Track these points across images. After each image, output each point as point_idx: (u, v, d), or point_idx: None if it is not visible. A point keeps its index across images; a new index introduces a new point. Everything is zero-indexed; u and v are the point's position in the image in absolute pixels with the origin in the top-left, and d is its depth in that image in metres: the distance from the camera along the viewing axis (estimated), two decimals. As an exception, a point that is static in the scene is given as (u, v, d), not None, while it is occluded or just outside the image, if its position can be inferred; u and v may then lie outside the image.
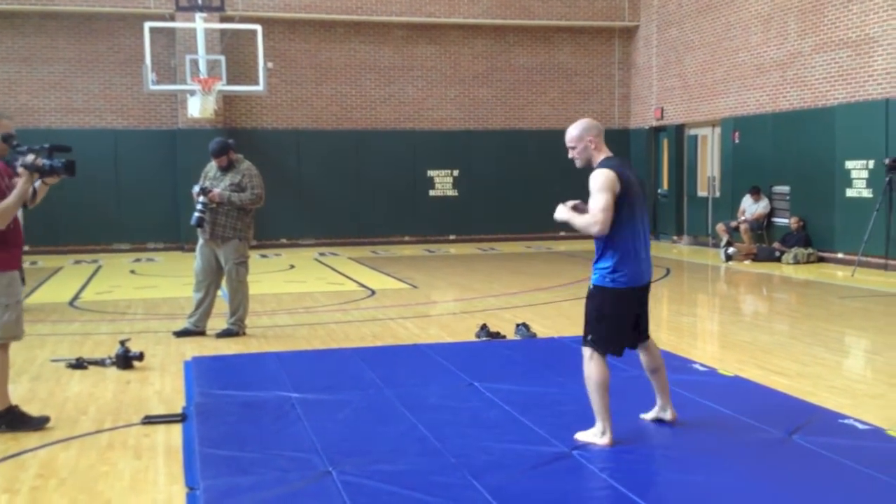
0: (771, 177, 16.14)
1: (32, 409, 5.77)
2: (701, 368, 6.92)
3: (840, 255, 14.37)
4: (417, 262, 15.97)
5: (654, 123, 19.93)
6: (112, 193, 18.20)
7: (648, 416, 5.46)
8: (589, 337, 5.04)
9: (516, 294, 11.56)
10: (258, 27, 16.73)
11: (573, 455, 4.81)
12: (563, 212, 5.08)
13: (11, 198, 5.30)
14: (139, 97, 18.22)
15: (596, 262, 5.08)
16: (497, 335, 8.37)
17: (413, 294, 11.77)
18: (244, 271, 8.68)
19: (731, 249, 15.36)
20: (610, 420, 5.00)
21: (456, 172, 19.92)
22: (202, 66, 16.53)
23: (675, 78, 19.11)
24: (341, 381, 6.57)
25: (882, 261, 13.44)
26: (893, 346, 8.00)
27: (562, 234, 19.41)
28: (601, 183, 4.87)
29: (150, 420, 5.67)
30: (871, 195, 13.66)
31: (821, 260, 14.70)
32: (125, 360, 7.24)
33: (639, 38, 20.51)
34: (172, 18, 17.55)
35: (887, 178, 13.01)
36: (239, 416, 5.67)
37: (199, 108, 16.28)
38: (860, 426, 5.28)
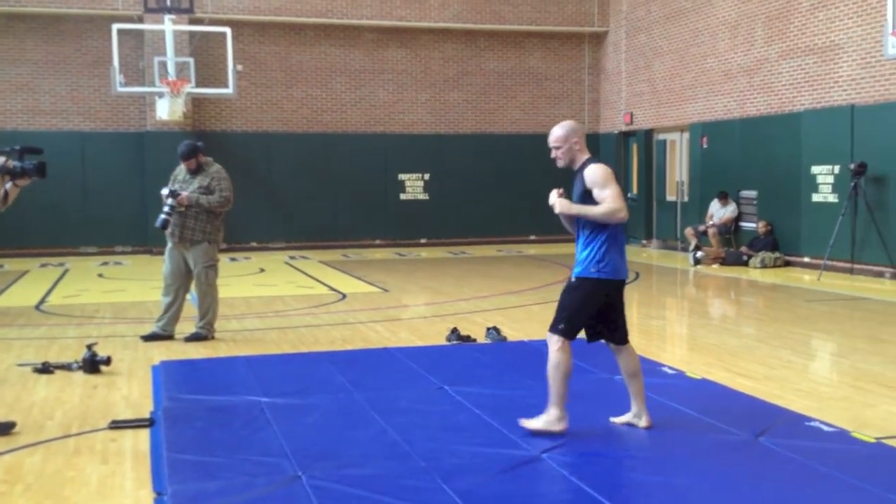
0: (738, 182, 16.30)
1: (-3, 415, 5.71)
2: (669, 371, 6.97)
3: (806, 259, 14.54)
4: (388, 266, 15.96)
5: (624, 128, 20.06)
6: (79, 196, 18.04)
7: (620, 420, 5.48)
8: (560, 326, 5.12)
9: (487, 298, 11.59)
10: (227, 29, 16.66)
11: (543, 458, 4.82)
12: (566, 206, 5.11)
13: (-18, 201, 5.25)
14: (107, 99, 18.08)
15: (582, 254, 5.16)
16: (467, 339, 8.38)
17: (384, 298, 11.76)
18: (213, 275, 8.63)
19: (699, 253, 15.50)
20: (565, 407, 5.15)
21: (427, 176, 19.94)
22: (171, 69, 16.43)
23: (644, 83, 19.25)
24: (311, 385, 6.55)
25: (847, 265, 13.61)
26: (858, 350, 8.10)
27: (532, 238, 19.47)
28: (605, 175, 5.02)
29: (117, 425, 5.62)
30: (836, 200, 13.83)
31: (787, 264, 14.87)
32: (92, 364, 7.17)
33: (608, 44, 20.64)
34: (141, 20, 17.43)
35: (852, 184, 13.18)
36: (207, 421, 5.63)
37: (167, 110, 16.18)
38: (825, 428, 5.35)
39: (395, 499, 4.23)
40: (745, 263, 14.98)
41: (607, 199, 4.98)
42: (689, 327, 9.92)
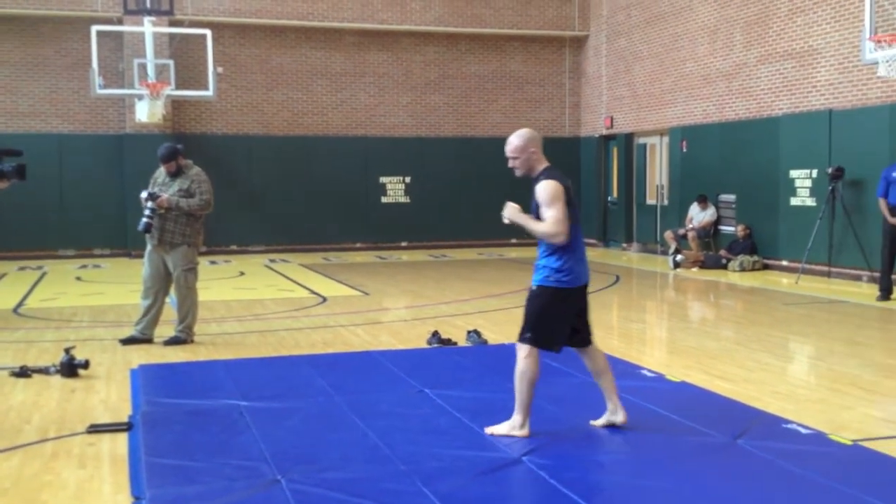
0: (717, 185, 16.39)
1: (-26, 419, 5.66)
2: (649, 374, 7.00)
3: (784, 263, 14.64)
4: (369, 269, 15.94)
5: (604, 132, 20.13)
6: (57, 199, 17.92)
7: (599, 422, 5.51)
8: (528, 335, 5.18)
9: (468, 301, 11.60)
10: (208, 32, 16.59)
11: (523, 461, 4.83)
12: (515, 213, 5.18)
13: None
14: (86, 101, 17.98)
15: (540, 261, 5.22)
16: (448, 342, 8.38)
17: (364, 301, 11.75)
18: (193, 278, 8.60)
19: (678, 257, 15.57)
20: (529, 414, 5.23)
21: (408, 179, 19.94)
22: (150, 71, 16.34)
23: (625, 87, 19.33)
24: (291, 389, 6.54)
25: (825, 268, 13.72)
26: (835, 352, 8.17)
27: (513, 241, 19.49)
28: (553, 193, 5.05)
29: (95, 429, 5.58)
30: (814, 204, 13.94)
31: (766, 267, 14.96)
32: (70, 368, 7.12)
33: (589, 48, 20.72)
34: (120, 22, 17.34)
35: (830, 187, 13.29)
36: (186, 425, 5.61)
37: (147, 112, 16.10)
38: (802, 430, 5.38)
39: (375, 502, 4.23)
40: (724, 267, 15.07)
41: (548, 221, 5.04)
42: (668, 330, 9.97)
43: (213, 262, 16.79)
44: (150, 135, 17.38)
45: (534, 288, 5.24)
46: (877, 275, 11.78)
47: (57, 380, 7.03)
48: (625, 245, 19.58)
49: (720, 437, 5.25)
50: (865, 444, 5.17)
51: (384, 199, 19.86)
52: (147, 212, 8.28)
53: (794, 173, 14.45)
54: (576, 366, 7.13)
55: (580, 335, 5.38)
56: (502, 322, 9.81)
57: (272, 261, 17.45)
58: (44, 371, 7.19)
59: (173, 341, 8.49)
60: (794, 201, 14.47)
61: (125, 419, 5.81)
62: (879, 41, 10.81)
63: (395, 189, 19.85)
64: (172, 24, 17.51)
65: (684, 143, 17.28)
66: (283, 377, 6.98)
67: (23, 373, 7.13)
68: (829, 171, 13.28)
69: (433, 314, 10.48)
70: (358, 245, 19.63)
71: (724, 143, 16.15)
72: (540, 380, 5.76)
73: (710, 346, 8.48)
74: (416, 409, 5.94)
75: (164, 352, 8.19)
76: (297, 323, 9.95)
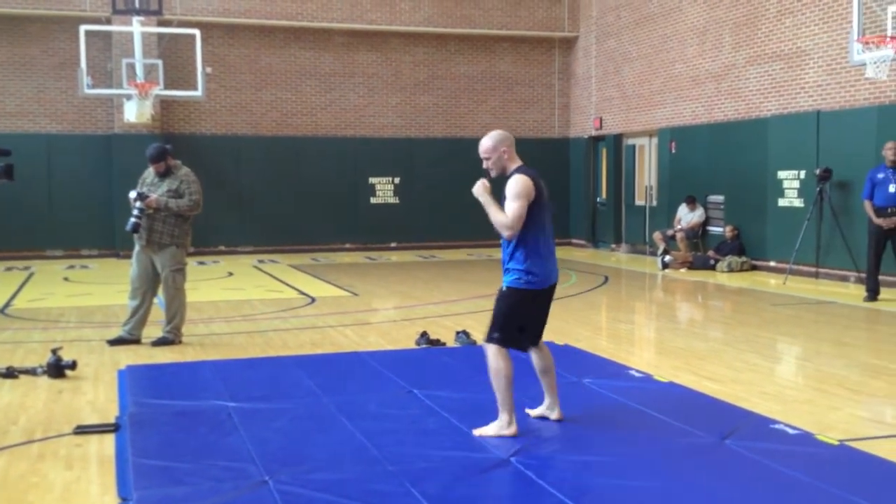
0: (706, 186, 16.44)
1: (-41, 420, 5.63)
2: (637, 374, 7.01)
3: (772, 264, 14.69)
4: (358, 270, 15.93)
5: (593, 133, 20.16)
6: (45, 199, 17.85)
7: (535, 412, 5.67)
8: (496, 335, 5.23)
9: (457, 301, 11.60)
10: (196, 32, 16.55)
11: (512, 462, 4.83)
12: (482, 192, 5.23)
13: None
14: (74, 101, 17.91)
15: (509, 263, 5.29)
16: (437, 342, 8.38)
17: (353, 301, 11.73)
18: (181, 279, 8.57)
19: (667, 258, 15.61)
20: (514, 411, 5.26)
21: (397, 180, 19.93)
22: (139, 71, 16.30)
23: (614, 88, 19.36)
24: (279, 390, 6.53)
25: (813, 269, 13.77)
26: (823, 353, 8.20)
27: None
28: (519, 189, 5.13)
29: (82, 430, 5.56)
30: (802, 205, 13.99)
31: (754, 268, 15.00)
32: (57, 368, 7.09)
33: (578, 49, 20.75)
34: (109, 22, 17.28)
35: (818, 189, 13.34)
36: (174, 426, 5.59)
37: (135, 112, 16.05)
38: (790, 431, 5.40)
39: (363, 503, 4.22)
40: (713, 267, 15.11)
41: (508, 213, 5.11)
42: (656, 331, 9.98)
43: (201, 263, 16.75)
44: (139, 135, 17.33)
45: (503, 289, 5.30)
46: (864, 276, 11.83)
47: (44, 381, 7.00)
48: (613, 246, 19.61)
49: (708, 437, 5.26)
50: (852, 444, 5.19)
51: (373, 200, 19.85)
52: (135, 212, 8.25)
53: (782, 174, 14.51)
54: (564, 366, 7.14)
55: (538, 334, 5.47)
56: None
57: (261, 261, 17.42)
58: (31, 372, 7.16)
59: (161, 342, 8.47)
60: (782, 202, 14.52)
61: (112, 420, 5.78)
62: (867, 43, 10.86)
63: (384, 190, 19.84)
64: (161, 23, 17.46)
65: (673, 144, 17.32)
66: (271, 378, 6.97)
67: (9, 373, 7.09)
68: (817, 172, 13.32)
69: (422, 315, 10.47)
70: (347, 246, 19.60)
71: (713, 145, 16.20)
72: (528, 380, 5.78)
73: (699, 346, 8.50)
74: (404, 409, 5.94)
75: (151, 352, 8.16)
76: (286, 324, 9.93)
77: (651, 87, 18.05)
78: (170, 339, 8.51)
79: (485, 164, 5.34)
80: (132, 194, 8.35)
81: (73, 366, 7.20)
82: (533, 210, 5.16)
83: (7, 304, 11.48)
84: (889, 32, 10.61)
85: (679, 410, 5.84)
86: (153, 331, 8.67)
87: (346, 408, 5.94)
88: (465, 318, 10.17)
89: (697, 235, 16.38)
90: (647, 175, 18.75)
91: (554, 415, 5.59)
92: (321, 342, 8.71)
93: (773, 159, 14.68)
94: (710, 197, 16.43)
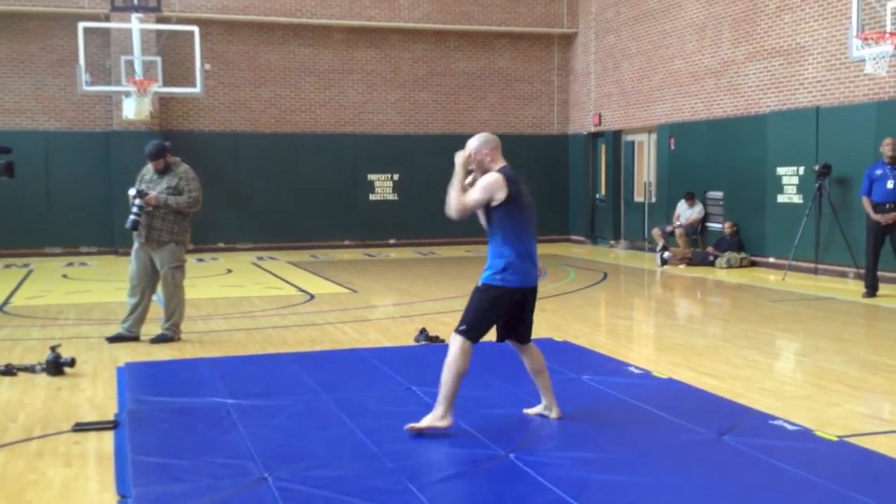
0: (705, 182, 16.43)
1: (-42, 418, 5.63)
2: (636, 371, 7.01)
3: (771, 260, 14.69)
4: (357, 267, 15.93)
5: (592, 129, 20.15)
6: (44, 196, 17.84)
7: (532, 410, 5.67)
8: (463, 327, 5.26)
9: (455, 298, 11.59)
10: (195, 28, 16.53)
11: (510, 458, 4.83)
12: (459, 164, 5.38)
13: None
14: (72, 98, 17.89)
15: (489, 261, 5.32)
16: (436, 339, 8.37)
17: (352, 298, 11.73)
18: (180, 276, 8.57)
19: (666, 254, 15.60)
20: (452, 408, 5.27)
21: (396, 176, 19.92)
22: (138, 68, 16.29)
23: (613, 84, 19.35)
24: (278, 387, 6.52)
25: (812, 265, 13.77)
26: (822, 349, 8.20)
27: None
28: (487, 184, 5.25)
29: (81, 427, 5.56)
30: (801, 201, 13.99)
31: (753, 264, 15.01)
32: (56, 366, 7.09)
33: (577, 45, 20.73)
34: (107, 19, 17.26)
35: (817, 185, 13.33)
36: (172, 423, 5.59)
37: (134, 109, 16.04)
38: (789, 427, 5.40)
39: (362, 500, 4.22)
40: (712, 264, 15.11)
41: (465, 196, 5.25)
42: (655, 327, 9.98)
43: (200, 260, 16.74)
44: (138, 132, 17.32)
45: (479, 284, 5.33)
46: (863, 272, 11.83)
47: (42, 378, 7.00)
48: (612, 242, 19.61)
49: (707, 433, 5.26)
50: (851, 440, 5.19)
51: (372, 197, 19.84)
52: (135, 209, 8.24)
53: (781, 170, 14.50)
54: (562, 362, 7.15)
55: (523, 331, 5.47)
56: (490, 319, 9.79)
57: (260, 258, 17.41)
58: (29, 369, 7.15)
59: (160, 339, 8.46)
60: (781, 198, 14.52)
61: (111, 417, 5.78)
62: (866, 39, 10.86)
63: (383, 186, 19.83)
64: (160, 20, 17.44)
65: (672, 140, 17.32)
66: (270, 375, 6.96)
67: (8, 371, 7.09)
68: (816, 168, 13.32)
69: (421, 311, 10.47)
70: (346, 242, 19.60)
71: (712, 141, 16.19)
72: (527, 376, 5.77)
73: (698, 342, 8.50)
74: (403, 406, 5.93)
75: (150, 350, 8.16)
76: (285, 320, 9.93)
77: (650, 83, 18.04)
78: (169, 337, 8.50)
79: (469, 166, 5.43)
80: (132, 192, 8.35)
81: (71, 363, 7.20)
82: (512, 209, 5.23)
83: (6, 302, 11.47)
84: (888, 28, 10.60)
85: (678, 407, 5.84)
86: (152, 328, 8.67)
87: (345, 405, 5.94)
88: (465, 314, 10.15)
89: (696, 232, 16.38)
90: (646, 171, 18.75)
91: (553, 414, 5.58)
92: (320, 339, 8.70)
93: (772, 155, 14.68)
94: (710, 193, 16.43)
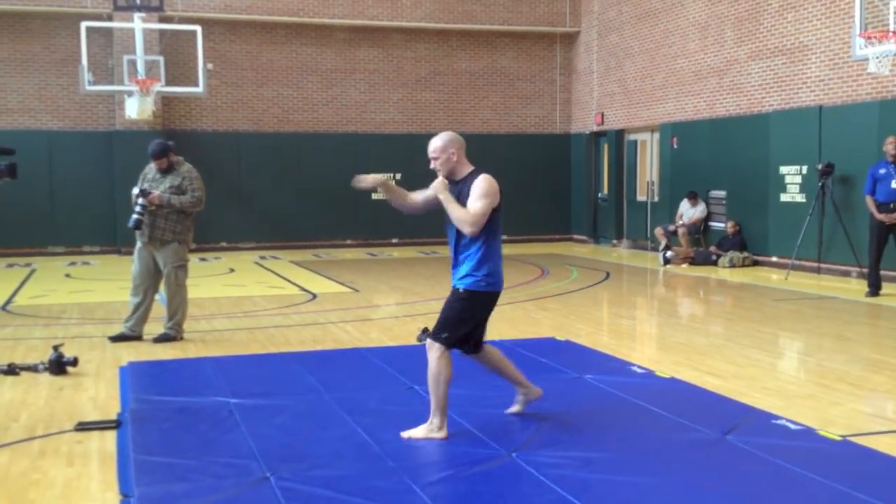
0: (708, 182, 16.41)
1: (-39, 417, 5.63)
2: (638, 370, 7.00)
3: (774, 259, 14.67)
4: (359, 266, 15.93)
5: (595, 128, 20.14)
6: (47, 195, 17.85)
7: (514, 409, 5.60)
8: (444, 335, 5.17)
9: (458, 297, 11.57)
10: (198, 28, 16.54)
11: (512, 457, 4.83)
12: (442, 188, 5.22)
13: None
14: (75, 98, 17.90)
15: (464, 265, 5.23)
16: (438, 339, 8.35)
17: (354, 298, 11.73)
18: (183, 275, 8.57)
19: (669, 253, 15.59)
20: (447, 416, 5.20)
21: (398, 176, 19.87)
22: (140, 67, 16.30)
23: (616, 83, 19.34)
24: (280, 386, 6.52)
25: (815, 264, 13.75)
26: (825, 348, 8.18)
27: (503, 237, 19.43)
28: (487, 190, 5.11)
29: (83, 426, 5.56)
30: (804, 200, 13.97)
31: (756, 263, 14.99)
32: (59, 365, 7.09)
33: (580, 44, 20.72)
34: (110, 18, 17.27)
35: (820, 184, 13.31)
36: (175, 423, 5.59)
37: (136, 109, 16.05)
38: (792, 426, 5.39)
39: (364, 499, 4.22)
40: (714, 263, 15.09)
41: (472, 210, 5.07)
42: (658, 327, 9.97)
43: (202, 259, 16.75)
44: (140, 131, 17.33)
45: (461, 291, 5.22)
46: (866, 271, 11.81)
47: (45, 377, 7.00)
48: (615, 241, 19.59)
49: (710, 433, 5.25)
50: (854, 439, 5.18)
51: (375, 196, 19.79)
52: (138, 208, 8.24)
53: (784, 169, 14.48)
54: (565, 361, 7.15)
55: (477, 336, 5.41)
56: (492, 318, 9.75)
57: (262, 257, 17.42)
58: (32, 369, 7.16)
59: (163, 338, 8.47)
60: (784, 197, 14.50)
61: (114, 417, 5.78)
62: (869, 38, 10.84)
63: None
64: (162, 20, 17.45)
65: (675, 139, 17.30)
66: (273, 374, 6.97)
67: (11, 370, 7.09)
68: (819, 167, 13.31)
69: (423, 311, 10.46)
70: (348, 242, 19.60)
71: (715, 140, 16.17)
72: (530, 376, 5.78)
73: (700, 342, 8.49)
74: (405, 406, 5.93)
75: (153, 349, 8.16)
76: (287, 320, 9.93)
77: (653, 82, 18.02)
78: (171, 336, 8.51)
79: (432, 165, 5.34)
80: (135, 191, 8.34)
81: (74, 362, 7.20)
82: (497, 215, 5.18)
83: (8, 301, 11.48)
84: (891, 27, 10.59)
85: (681, 406, 5.84)
86: (155, 327, 8.67)
87: (347, 404, 5.94)
88: (467, 314, 10.14)
89: (699, 231, 16.36)
90: (648, 170, 18.73)
91: (533, 395, 5.57)
92: (322, 338, 8.70)
93: (774, 154, 14.66)
94: (712, 192, 16.41)
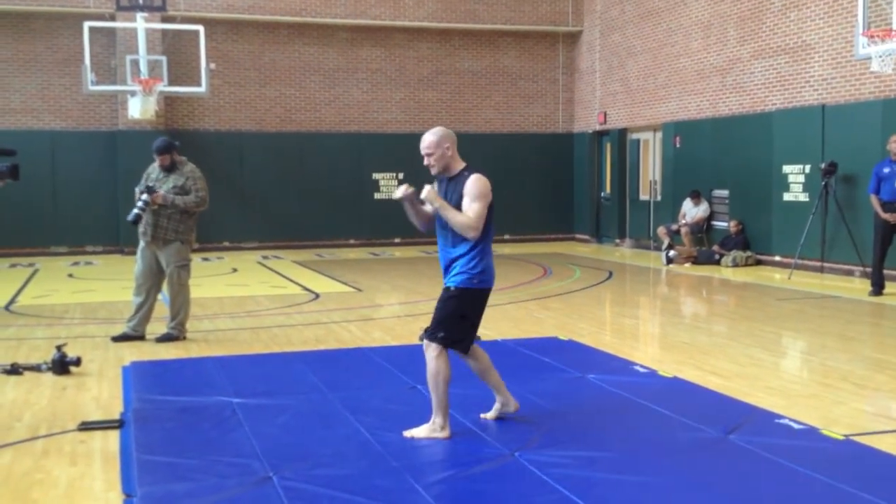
0: (711, 181, 16.40)
1: (-36, 417, 5.64)
2: (641, 370, 7.00)
3: (777, 258, 14.66)
4: (362, 266, 15.93)
5: (598, 127, 20.13)
6: (49, 195, 17.87)
7: (490, 415, 5.54)
8: (441, 335, 5.14)
9: (460, 297, 11.57)
10: (200, 28, 16.54)
11: (514, 457, 4.83)
12: (434, 196, 5.18)
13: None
14: (78, 98, 17.92)
15: (457, 263, 5.18)
16: (441, 338, 8.35)
17: (357, 297, 11.73)
18: (186, 275, 8.57)
19: (671, 252, 15.57)
20: (449, 415, 5.19)
21: (401, 175, 19.89)
22: (143, 67, 16.31)
23: (618, 83, 19.33)
24: (283, 386, 6.52)
25: (818, 263, 13.74)
26: (828, 348, 8.17)
27: (506, 237, 19.49)
28: (482, 190, 5.10)
29: (86, 426, 5.57)
30: (807, 199, 13.95)
31: (759, 263, 14.98)
32: (62, 365, 7.10)
33: (582, 43, 20.71)
34: (113, 18, 17.28)
35: (823, 183, 13.30)
36: (178, 422, 5.59)
37: (139, 109, 16.05)
38: (795, 426, 5.39)
39: (367, 499, 4.22)
40: (717, 262, 15.08)
41: (471, 214, 5.05)
42: (661, 326, 9.97)
43: (205, 259, 16.76)
44: (143, 131, 17.34)
45: (452, 289, 5.19)
46: (869, 270, 11.80)
47: (48, 377, 7.01)
48: (618, 241, 19.58)
49: (712, 432, 5.25)
50: (857, 438, 5.18)
51: (377, 196, 19.83)
52: (140, 203, 8.24)
53: (787, 168, 14.47)
54: (567, 361, 7.15)
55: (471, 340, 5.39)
56: (495, 318, 9.79)
57: (265, 257, 17.43)
58: (35, 368, 7.16)
59: (165, 338, 8.47)
60: (787, 197, 14.48)
61: (117, 416, 5.79)
62: (872, 36, 10.82)
63: (388, 185, 19.81)
64: (165, 20, 17.46)
65: (677, 138, 17.28)
66: (275, 374, 6.97)
67: (14, 370, 7.10)
68: (822, 166, 13.29)
69: (426, 310, 10.44)
70: (351, 241, 19.60)
71: (718, 139, 16.16)
72: (532, 376, 5.77)
73: (703, 341, 8.48)
74: (408, 405, 5.93)
75: (155, 349, 8.17)
76: (290, 319, 9.93)
77: (655, 81, 18.01)
78: (174, 336, 8.51)
79: (426, 161, 5.31)
80: (139, 188, 8.33)
81: (77, 362, 7.21)
82: (490, 213, 5.15)
83: (11, 301, 11.50)
84: (894, 26, 10.56)
85: (683, 406, 5.83)
86: (157, 327, 8.68)
87: (350, 403, 5.94)
88: (470, 313, 10.14)
89: (702, 230, 16.35)
90: (651, 170, 18.72)
91: (511, 408, 5.50)
92: (325, 338, 8.71)
93: (777, 153, 14.64)
94: (715, 191, 16.39)
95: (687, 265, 15.21)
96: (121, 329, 8.68)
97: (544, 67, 20.96)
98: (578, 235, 20.88)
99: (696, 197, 16.38)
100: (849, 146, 13.18)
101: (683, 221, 16.36)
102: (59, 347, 7.25)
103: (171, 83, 16.85)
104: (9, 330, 9.32)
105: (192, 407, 5.93)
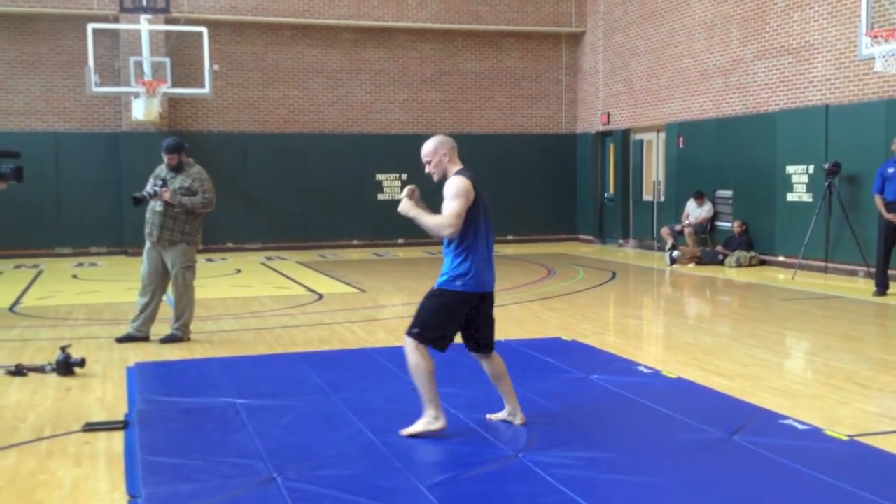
0: (714, 181, 16.39)
1: (-31, 418, 5.65)
2: (645, 370, 7.00)
3: (781, 259, 14.65)
4: (365, 266, 15.94)
5: (601, 128, 20.12)
6: (53, 197, 17.90)
7: (496, 416, 5.55)
8: (416, 330, 5.21)
9: (464, 298, 11.57)
10: (204, 29, 16.56)
11: (518, 457, 4.83)
12: (409, 207, 5.27)
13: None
14: (82, 99, 17.95)
15: (445, 264, 5.25)
16: (444, 339, 8.35)
17: (361, 298, 11.74)
18: (191, 276, 8.58)
19: (675, 253, 15.57)
20: (440, 405, 5.19)
21: (404, 176, 19.91)
22: (147, 68, 16.33)
23: (621, 83, 19.32)
24: (287, 387, 6.53)
25: (822, 264, 13.72)
26: (832, 348, 8.17)
27: (509, 238, 19.49)
28: (457, 189, 5.13)
29: (91, 427, 5.57)
30: (811, 199, 13.94)
31: (762, 263, 14.97)
32: (66, 366, 7.11)
33: (585, 44, 20.71)
34: (116, 20, 17.30)
35: (827, 183, 13.29)
36: (182, 423, 5.60)
37: (143, 110, 16.08)
38: (799, 426, 5.38)
39: (370, 499, 4.22)
40: (721, 263, 15.07)
41: (444, 213, 5.08)
42: (664, 326, 9.96)
43: (209, 260, 16.77)
44: (147, 133, 17.37)
45: (434, 288, 5.25)
46: (873, 270, 11.79)
47: (53, 378, 7.02)
48: (621, 241, 19.57)
49: (716, 433, 5.25)
50: (861, 439, 5.17)
51: (380, 196, 19.84)
52: (148, 187, 8.26)
53: (790, 169, 14.46)
54: (571, 361, 7.15)
55: (482, 342, 5.40)
56: (498, 319, 9.72)
57: (269, 258, 17.44)
58: (40, 369, 7.18)
59: (170, 339, 8.48)
60: (790, 197, 14.47)
61: (121, 417, 5.80)
62: (876, 37, 10.81)
63: (391, 186, 19.83)
64: (168, 21, 17.49)
65: (681, 139, 17.28)
66: (279, 375, 6.97)
67: (18, 371, 7.12)
68: (826, 166, 13.27)
69: (430, 311, 10.45)
70: (354, 242, 19.61)
71: (721, 139, 16.15)
72: (536, 376, 5.77)
73: (707, 342, 8.48)
74: (411, 406, 5.90)
75: (160, 350, 8.18)
76: (294, 320, 9.94)
77: (659, 81, 18.01)
78: (178, 336, 8.52)
79: (427, 169, 5.38)
80: (147, 188, 8.33)
81: (81, 363, 7.22)
82: (475, 213, 5.13)
83: (16, 302, 11.52)
84: (898, 26, 10.56)
85: (687, 406, 5.83)
86: (162, 328, 8.69)
87: (353, 404, 5.95)
88: (473, 314, 10.14)
89: (705, 230, 16.34)
90: (654, 170, 18.71)
91: (517, 420, 5.45)
92: (329, 339, 8.71)
93: (781, 154, 14.63)
94: (719, 192, 16.38)
95: (690, 266, 15.21)
96: (125, 330, 8.68)
97: (547, 68, 20.96)
98: (582, 236, 20.88)
99: (700, 197, 16.37)
100: (852, 146, 13.17)
101: (687, 222, 16.35)
102: (63, 348, 7.26)
103: (174, 85, 16.88)
104: (13, 331, 9.33)
105: (196, 408, 5.94)
